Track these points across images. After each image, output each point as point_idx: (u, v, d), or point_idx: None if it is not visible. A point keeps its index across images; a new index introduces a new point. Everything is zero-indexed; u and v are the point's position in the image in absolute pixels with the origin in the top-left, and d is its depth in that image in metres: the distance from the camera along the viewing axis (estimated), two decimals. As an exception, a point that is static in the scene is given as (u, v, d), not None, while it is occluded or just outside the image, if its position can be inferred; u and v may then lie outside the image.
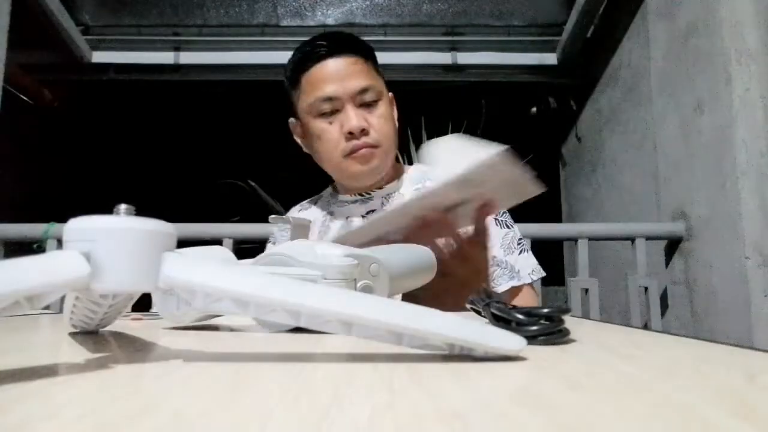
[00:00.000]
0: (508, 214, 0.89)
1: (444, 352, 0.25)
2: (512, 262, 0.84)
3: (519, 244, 0.86)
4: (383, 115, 0.86)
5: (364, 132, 0.84)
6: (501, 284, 0.83)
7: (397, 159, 0.95)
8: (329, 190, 0.99)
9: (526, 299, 0.85)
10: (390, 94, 0.92)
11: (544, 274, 0.87)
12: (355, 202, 0.91)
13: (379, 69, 0.90)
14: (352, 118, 0.83)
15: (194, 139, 3.09)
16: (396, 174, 0.94)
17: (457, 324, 0.25)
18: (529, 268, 0.85)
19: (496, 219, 0.86)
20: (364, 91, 0.84)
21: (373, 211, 0.89)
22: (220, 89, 2.47)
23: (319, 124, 0.86)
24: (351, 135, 0.83)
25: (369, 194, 0.91)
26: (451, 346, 0.25)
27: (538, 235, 1.51)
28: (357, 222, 0.87)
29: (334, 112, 0.85)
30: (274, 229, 0.99)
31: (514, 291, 0.84)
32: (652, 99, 1.66)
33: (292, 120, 0.94)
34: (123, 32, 2.25)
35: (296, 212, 1.00)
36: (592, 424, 0.14)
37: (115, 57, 2.28)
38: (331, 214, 0.93)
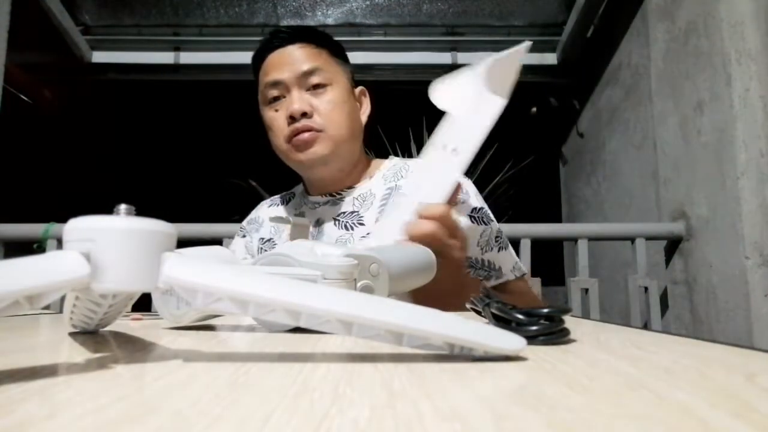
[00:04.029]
0: (486, 209, 0.85)
1: (444, 352, 0.25)
2: (491, 259, 0.81)
3: (497, 241, 0.82)
4: (332, 100, 0.81)
5: (306, 115, 0.79)
6: None
7: (367, 156, 0.91)
8: (301, 188, 0.95)
9: (519, 293, 0.81)
10: (360, 87, 0.89)
11: (525, 271, 0.84)
12: (327, 203, 0.86)
13: (339, 59, 0.87)
14: (294, 101, 0.80)
15: (194, 139, 3.09)
16: (366, 171, 0.89)
17: (457, 324, 0.25)
18: (510, 264, 0.81)
19: (472, 216, 0.81)
20: (309, 73, 0.80)
21: (343, 213, 0.84)
22: (220, 89, 2.47)
23: (268, 113, 0.83)
24: (292, 119, 0.79)
25: (339, 194, 0.86)
26: (451, 346, 0.25)
27: (538, 235, 1.51)
28: (329, 227, 0.83)
29: (280, 98, 0.82)
30: (237, 241, 0.95)
31: (501, 287, 0.80)
32: (652, 99, 1.66)
33: None
34: (123, 32, 2.25)
35: (266, 207, 0.96)
36: (592, 424, 0.14)
37: (115, 57, 2.27)
38: (302, 215, 0.89)
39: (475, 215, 0.82)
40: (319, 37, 0.86)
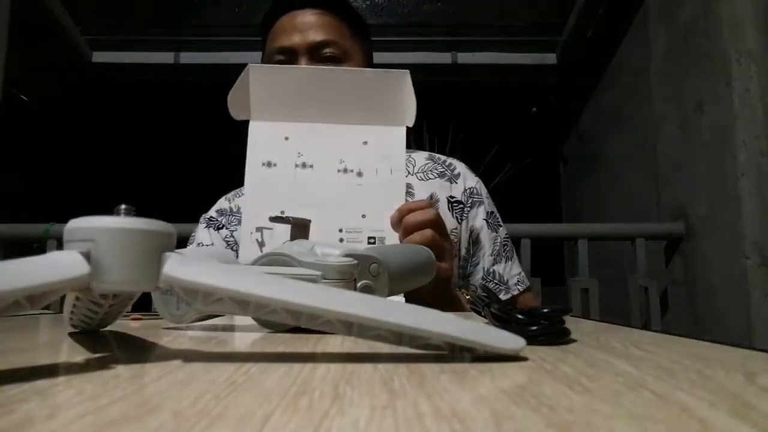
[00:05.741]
0: (497, 214, 0.80)
1: (444, 352, 0.25)
2: (500, 271, 0.77)
3: (505, 249, 0.79)
4: None
5: None
6: None
7: None
8: None
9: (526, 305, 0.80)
10: None
11: (528, 283, 0.80)
12: None
13: (359, 36, 0.80)
14: None
15: (194, 139, 3.09)
16: None
17: (457, 324, 0.25)
18: (514, 277, 0.78)
19: (487, 221, 0.77)
20: (322, 45, 0.73)
21: None
22: (220, 90, 2.48)
23: None
24: None
25: None
26: (451, 346, 0.25)
27: (538, 235, 1.51)
28: None
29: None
30: (200, 233, 0.85)
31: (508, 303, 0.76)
32: (652, 99, 1.66)
33: None
34: (123, 32, 2.25)
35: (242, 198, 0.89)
36: (592, 424, 0.14)
37: (115, 57, 2.28)
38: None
39: (488, 220, 0.77)
40: (340, 5, 0.79)
